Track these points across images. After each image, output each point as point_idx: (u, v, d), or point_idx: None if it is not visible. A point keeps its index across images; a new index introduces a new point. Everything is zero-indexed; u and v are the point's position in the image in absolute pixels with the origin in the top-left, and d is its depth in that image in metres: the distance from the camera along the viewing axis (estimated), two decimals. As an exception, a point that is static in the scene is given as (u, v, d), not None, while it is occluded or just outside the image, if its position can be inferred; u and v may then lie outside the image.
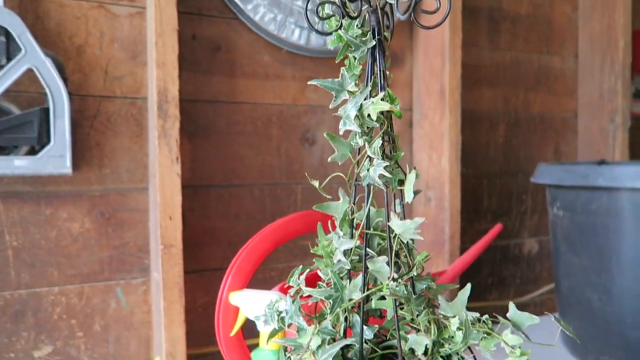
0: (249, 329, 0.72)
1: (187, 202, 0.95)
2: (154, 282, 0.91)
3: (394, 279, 0.39)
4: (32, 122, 0.79)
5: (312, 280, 0.50)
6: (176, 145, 0.83)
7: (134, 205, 0.92)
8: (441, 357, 0.41)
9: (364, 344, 0.43)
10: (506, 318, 0.41)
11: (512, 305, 0.43)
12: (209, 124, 0.98)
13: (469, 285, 0.43)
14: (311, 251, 0.44)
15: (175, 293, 0.83)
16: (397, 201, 0.44)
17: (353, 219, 0.43)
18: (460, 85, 1.13)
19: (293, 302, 0.43)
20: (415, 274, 0.40)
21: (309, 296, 0.44)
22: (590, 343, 0.88)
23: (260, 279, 1.02)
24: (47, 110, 0.79)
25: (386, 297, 0.41)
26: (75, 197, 0.88)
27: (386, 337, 0.45)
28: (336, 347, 0.36)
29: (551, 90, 1.42)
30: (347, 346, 0.44)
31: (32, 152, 0.81)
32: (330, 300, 0.40)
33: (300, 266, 0.45)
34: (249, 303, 0.60)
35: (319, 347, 0.37)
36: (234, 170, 1.01)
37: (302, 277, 0.43)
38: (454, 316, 0.40)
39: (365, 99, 0.40)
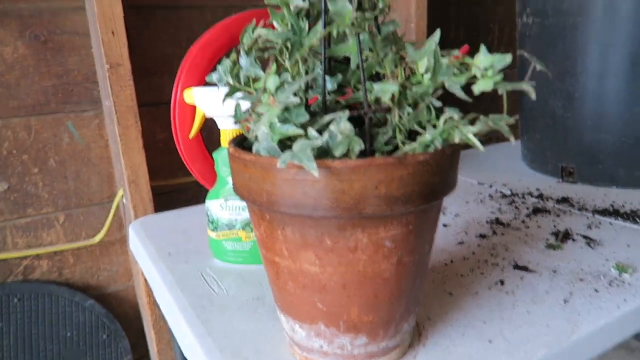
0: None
1: (131, 24, 0.86)
2: (106, 112, 0.86)
3: (356, 11, 0.35)
4: None
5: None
6: (108, -54, 0.72)
7: (71, 27, 0.83)
8: (409, 105, 0.39)
9: (327, 95, 0.40)
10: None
11: (482, 47, 0.40)
12: None
13: (438, 31, 0.40)
14: (265, 2, 0.39)
15: (130, 118, 0.79)
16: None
17: (310, -44, 0.38)
18: None
19: (248, 54, 0.39)
20: (381, 7, 0.36)
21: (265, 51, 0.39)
22: (549, 152, 0.90)
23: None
24: None
25: (348, 34, 0.37)
26: (1, 17, 0.78)
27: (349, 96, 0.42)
28: (297, 83, 0.33)
29: None
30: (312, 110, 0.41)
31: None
32: (288, 44, 0.37)
33: (253, 20, 0.40)
34: (207, 99, 0.56)
35: (278, 88, 0.34)
36: (181, -10, 0.91)
37: (258, 28, 0.39)
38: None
39: None
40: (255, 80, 0.38)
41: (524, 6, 0.86)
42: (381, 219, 0.34)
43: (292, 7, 0.38)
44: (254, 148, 0.36)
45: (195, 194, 1.02)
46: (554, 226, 0.68)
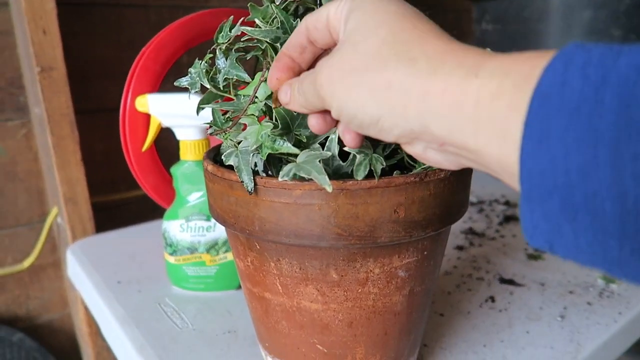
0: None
1: (66, 25, 0.77)
2: (36, 120, 0.76)
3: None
4: None
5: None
6: None
7: (-8, 25, 0.73)
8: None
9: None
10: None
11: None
12: None
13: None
14: (245, -5, 0.34)
15: (66, 127, 0.69)
16: None
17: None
18: None
19: (227, 56, 0.33)
20: None
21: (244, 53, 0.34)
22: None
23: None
24: None
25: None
26: None
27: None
28: (294, 88, 0.28)
29: None
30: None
31: None
32: (278, 45, 0.31)
33: (230, 18, 0.35)
34: (164, 107, 0.49)
35: (269, 96, 0.29)
36: (121, -14, 0.82)
37: (237, 26, 0.33)
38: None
39: None
40: (237, 84, 0.33)
41: (483, 12, 0.86)
42: (396, 247, 0.29)
43: (277, 1, 0.32)
44: (235, 162, 0.30)
45: (140, 209, 0.92)
46: (528, 235, 0.67)
